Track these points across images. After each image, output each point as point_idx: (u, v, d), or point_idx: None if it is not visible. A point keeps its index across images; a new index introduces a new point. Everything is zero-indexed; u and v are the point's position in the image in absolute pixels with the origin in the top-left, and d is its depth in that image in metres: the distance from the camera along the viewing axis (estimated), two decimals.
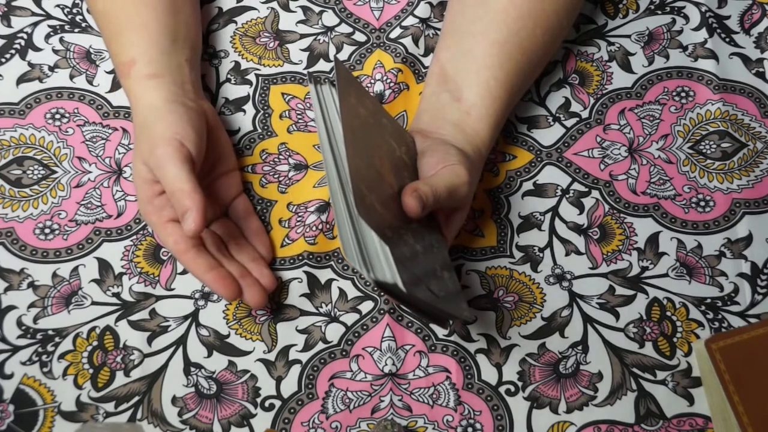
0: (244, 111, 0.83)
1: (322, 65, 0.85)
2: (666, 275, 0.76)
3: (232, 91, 0.84)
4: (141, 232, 0.77)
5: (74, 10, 0.89)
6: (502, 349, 0.73)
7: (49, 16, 0.88)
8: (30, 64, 0.86)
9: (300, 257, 0.76)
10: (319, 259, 0.76)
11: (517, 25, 0.76)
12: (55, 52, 0.86)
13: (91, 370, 0.72)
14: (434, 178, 0.66)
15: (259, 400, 0.71)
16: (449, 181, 0.66)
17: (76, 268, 0.76)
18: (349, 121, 0.63)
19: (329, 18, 0.89)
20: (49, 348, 0.73)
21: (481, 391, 0.72)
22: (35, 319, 0.74)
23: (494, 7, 0.76)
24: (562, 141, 0.82)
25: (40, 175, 0.80)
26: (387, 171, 0.65)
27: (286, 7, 0.89)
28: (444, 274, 0.65)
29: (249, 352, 0.73)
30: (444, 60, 0.77)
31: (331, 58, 0.86)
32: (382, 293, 0.69)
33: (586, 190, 0.80)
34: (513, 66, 0.75)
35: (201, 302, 0.75)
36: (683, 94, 0.85)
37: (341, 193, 0.61)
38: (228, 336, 0.73)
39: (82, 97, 0.84)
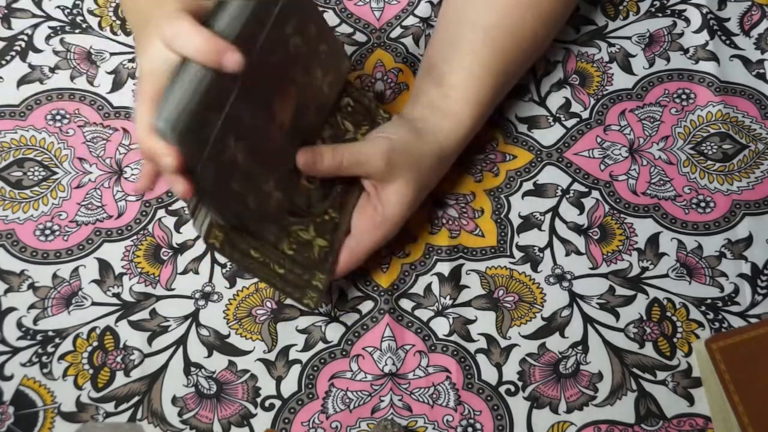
0: None
1: None
2: (666, 276, 0.76)
3: None
4: (141, 233, 0.77)
5: (74, 11, 0.89)
6: (502, 349, 0.73)
7: (49, 18, 0.89)
8: (30, 66, 0.86)
9: None
10: None
11: (506, 11, 0.76)
12: (56, 53, 0.86)
13: (91, 371, 0.72)
14: (344, 145, 0.70)
15: (259, 400, 0.71)
16: (360, 149, 0.69)
17: (76, 269, 0.76)
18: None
19: (330, 18, 0.89)
20: (49, 349, 0.73)
21: (481, 391, 0.72)
22: (35, 321, 0.74)
23: None
24: (562, 141, 0.82)
25: (40, 177, 0.80)
26: (285, 109, 0.66)
27: None
28: (315, 241, 0.69)
29: (249, 352, 0.73)
30: (431, 51, 0.78)
31: None
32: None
33: (587, 190, 0.80)
34: (499, 50, 0.75)
35: (201, 302, 0.75)
36: (684, 96, 0.85)
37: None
38: (228, 336, 0.73)
39: (82, 98, 0.84)
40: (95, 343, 0.73)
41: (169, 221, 0.78)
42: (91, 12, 0.89)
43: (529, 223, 0.78)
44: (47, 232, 0.78)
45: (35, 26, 0.88)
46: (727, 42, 0.87)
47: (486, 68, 0.75)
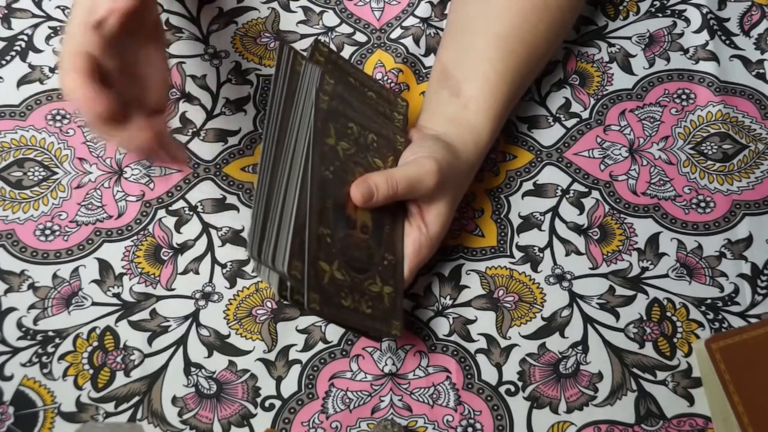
0: (245, 111, 0.83)
1: None
2: (666, 276, 0.76)
3: (233, 91, 0.84)
4: (142, 233, 0.77)
5: None
6: (502, 349, 0.73)
7: (49, 18, 0.89)
8: (30, 66, 0.86)
9: None
10: None
11: (519, 20, 0.75)
12: (56, 53, 0.86)
13: (91, 371, 0.72)
14: (394, 170, 0.68)
15: (259, 399, 0.71)
16: (411, 172, 0.67)
17: (76, 269, 0.76)
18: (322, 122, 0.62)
19: (330, 18, 0.89)
20: (50, 349, 0.73)
21: (481, 391, 0.72)
22: (35, 321, 0.74)
23: (496, 3, 0.76)
24: (562, 141, 0.82)
25: (40, 177, 0.80)
26: (349, 166, 0.67)
27: (286, 8, 0.89)
28: (384, 290, 0.67)
29: (249, 352, 0.73)
30: (445, 58, 0.78)
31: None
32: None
33: (587, 190, 0.80)
34: (514, 59, 0.75)
35: (201, 302, 0.75)
36: (684, 96, 0.85)
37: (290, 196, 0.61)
38: (228, 336, 0.73)
39: None
40: (95, 343, 0.73)
41: (170, 221, 0.78)
42: None
43: (529, 223, 0.78)
44: (47, 232, 0.78)
45: (35, 26, 0.88)
46: (727, 42, 0.87)
47: (501, 75, 0.75)
